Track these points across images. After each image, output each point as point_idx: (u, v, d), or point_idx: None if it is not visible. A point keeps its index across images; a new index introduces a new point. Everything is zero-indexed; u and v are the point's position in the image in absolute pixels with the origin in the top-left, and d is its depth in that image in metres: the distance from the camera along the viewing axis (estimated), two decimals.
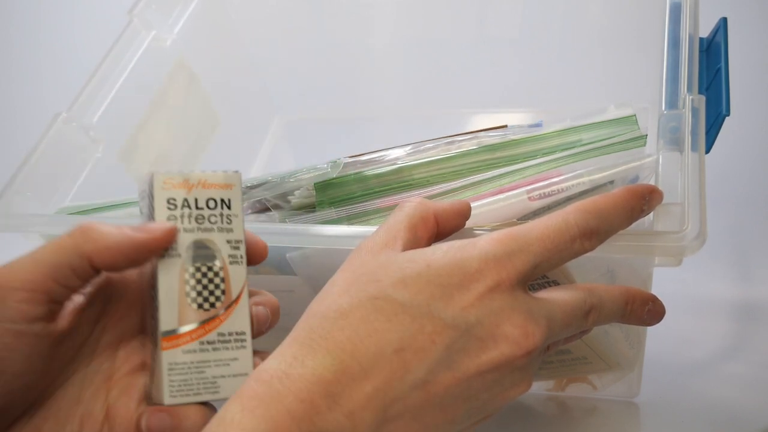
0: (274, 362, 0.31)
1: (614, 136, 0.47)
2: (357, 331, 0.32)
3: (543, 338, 0.33)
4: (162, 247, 0.36)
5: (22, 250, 0.35)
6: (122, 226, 0.35)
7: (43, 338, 0.34)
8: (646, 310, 0.37)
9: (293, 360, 0.31)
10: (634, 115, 0.49)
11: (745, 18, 0.65)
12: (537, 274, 0.34)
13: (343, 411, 0.30)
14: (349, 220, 0.48)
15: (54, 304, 0.35)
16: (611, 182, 0.45)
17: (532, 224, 0.34)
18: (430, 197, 0.47)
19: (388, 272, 0.33)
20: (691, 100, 0.44)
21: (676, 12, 0.51)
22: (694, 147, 0.41)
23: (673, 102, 0.45)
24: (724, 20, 0.51)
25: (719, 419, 0.50)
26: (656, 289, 0.48)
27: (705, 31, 0.51)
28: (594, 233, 0.34)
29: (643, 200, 0.36)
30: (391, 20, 0.77)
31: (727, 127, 0.44)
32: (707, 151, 0.44)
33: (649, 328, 0.49)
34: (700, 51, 0.49)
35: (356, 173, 0.48)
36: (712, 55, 0.50)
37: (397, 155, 0.50)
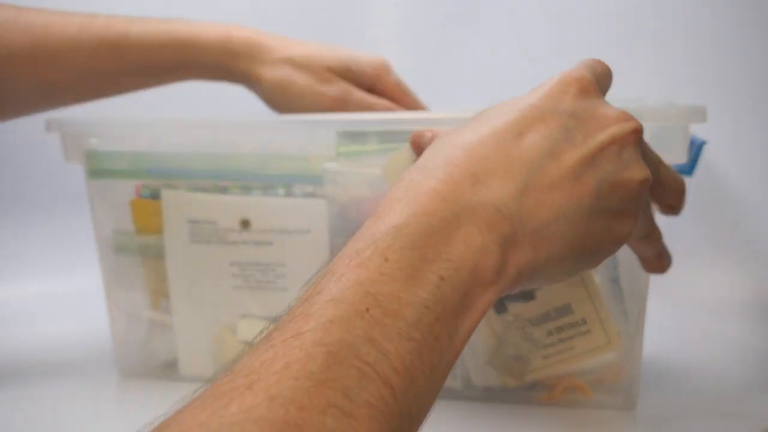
0: (407, 171, 0.35)
1: None
2: (478, 130, 0.35)
3: (639, 125, 0.37)
4: None
5: None
6: None
7: None
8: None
9: (426, 160, 0.35)
10: None
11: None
12: (603, 85, 0.40)
13: (485, 184, 0.33)
14: None
15: None
16: None
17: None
18: None
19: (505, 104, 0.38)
20: None
21: None
22: None
23: None
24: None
25: (719, 421, 0.50)
26: (655, 289, 0.52)
27: None
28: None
29: None
30: (391, 19, 0.84)
31: (727, 125, 0.50)
32: (690, 174, 0.50)
33: (647, 325, 0.51)
34: None
35: None
36: None
37: None
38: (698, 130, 0.53)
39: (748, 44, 0.72)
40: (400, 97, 0.66)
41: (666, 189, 0.42)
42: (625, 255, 0.49)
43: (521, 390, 0.53)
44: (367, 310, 0.28)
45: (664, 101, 0.56)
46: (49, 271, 0.87)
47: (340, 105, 0.63)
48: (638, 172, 0.36)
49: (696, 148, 0.52)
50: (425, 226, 0.31)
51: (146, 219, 0.58)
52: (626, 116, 0.37)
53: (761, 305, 0.65)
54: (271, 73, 0.63)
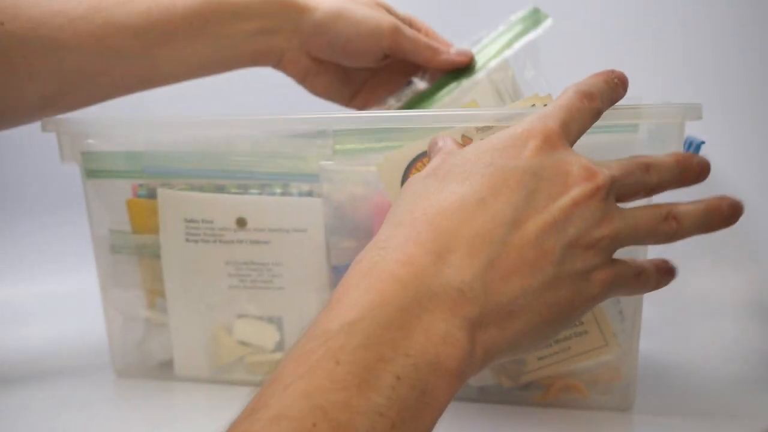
0: (367, 249, 0.34)
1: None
2: (439, 198, 0.35)
3: (608, 176, 0.36)
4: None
5: None
6: None
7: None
8: (695, 174, 0.41)
9: (387, 238, 0.33)
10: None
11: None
12: (573, 132, 0.38)
13: (448, 263, 0.32)
14: None
15: None
16: None
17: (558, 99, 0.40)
18: None
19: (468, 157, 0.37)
20: None
21: None
22: None
23: None
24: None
25: (719, 421, 0.49)
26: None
27: None
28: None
29: None
30: None
31: (726, 125, 0.50)
32: None
33: (644, 325, 0.50)
34: None
35: None
36: None
37: None
38: (698, 131, 0.53)
39: (747, 44, 0.72)
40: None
41: (648, 234, 0.38)
42: (621, 255, 0.49)
43: (516, 390, 0.53)
44: (314, 425, 0.26)
45: (661, 100, 0.56)
46: (45, 271, 0.87)
47: (394, 36, 0.60)
48: (605, 228, 0.35)
49: (694, 149, 0.52)
50: (382, 318, 0.30)
51: (143, 218, 0.58)
52: (590, 173, 0.36)
53: (759, 305, 0.65)
54: (326, 2, 0.60)
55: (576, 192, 0.35)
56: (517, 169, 0.35)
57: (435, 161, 0.39)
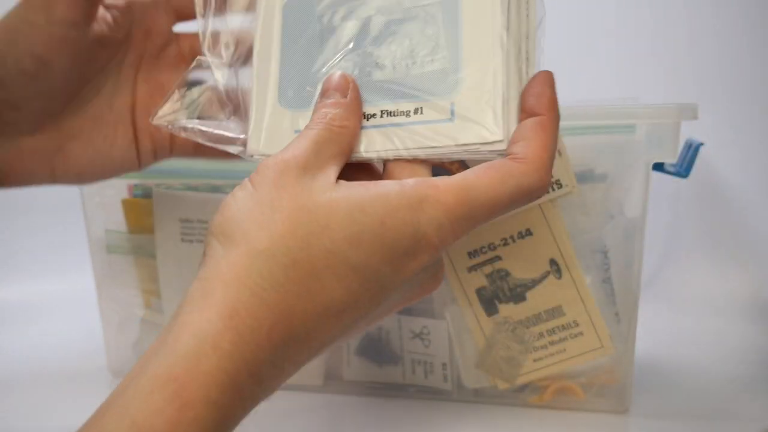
0: (212, 312, 0.30)
1: None
2: (306, 286, 0.31)
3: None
4: None
5: None
6: None
7: (81, 42, 0.41)
8: None
9: (229, 319, 0.30)
10: None
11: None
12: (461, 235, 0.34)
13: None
14: None
15: (91, 8, 0.41)
16: None
17: (483, 188, 0.32)
18: None
19: (338, 219, 0.31)
20: None
21: None
22: None
23: None
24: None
25: (717, 423, 0.49)
26: (652, 289, 0.51)
27: None
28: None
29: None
30: None
31: (726, 126, 0.50)
32: (686, 176, 0.50)
33: (641, 324, 0.50)
34: None
35: None
36: None
37: None
38: (698, 131, 0.52)
39: (747, 45, 0.72)
40: None
41: None
42: (617, 256, 0.49)
43: (512, 392, 0.52)
44: None
45: (661, 101, 0.55)
46: (41, 271, 0.87)
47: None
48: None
49: (693, 150, 0.52)
50: None
51: (138, 218, 0.57)
52: (438, 275, 0.36)
53: (757, 305, 0.64)
54: None
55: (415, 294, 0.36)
56: (392, 287, 0.33)
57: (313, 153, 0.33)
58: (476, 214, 0.32)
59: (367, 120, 0.36)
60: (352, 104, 0.35)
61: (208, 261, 0.32)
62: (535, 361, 0.50)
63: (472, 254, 0.48)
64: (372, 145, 0.35)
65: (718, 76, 0.73)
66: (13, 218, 0.89)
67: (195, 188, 0.55)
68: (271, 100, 0.38)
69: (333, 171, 0.33)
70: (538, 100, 0.34)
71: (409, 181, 0.32)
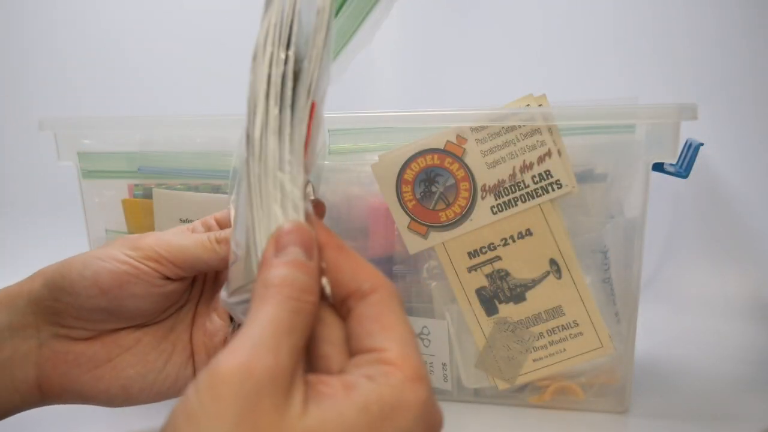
0: None
1: None
2: None
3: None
4: None
5: None
6: None
7: (162, 291, 0.43)
8: None
9: None
10: None
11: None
12: None
13: None
14: None
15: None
16: None
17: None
18: None
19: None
20: None
21: None
22: None
23: None
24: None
25: (717, 423, 0.49)
26: (652, 289, 0.51)
27: None
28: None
29: None
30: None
31: (726, 126, 0.50)
32: (685, 176, 0.50)
33: (641, 324, 0.50)
34: None
35: None
36: None
37: None
38: (698, 131, 0.52)
39: (747, 45, 0.71)
40: None
41: None
42: (617, 256, 0.49)
43: (511, 392, 0.52)
44: None
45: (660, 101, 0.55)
46: None
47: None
48: None
49: (692, 150, 0.52)
50: None
51: (139, 218, 0.57)
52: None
53: (757, 305, 0.64)
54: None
55: None
56: None
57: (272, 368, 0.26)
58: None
59: None
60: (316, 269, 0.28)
61: None
62: (534, 361, 0.50)
63: (472, 254, 0.49)
64: None
65: (718, 76, 0.73)
66: (13, 218, 0.89)
67: (195, 188, 0.55)
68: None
69: (301, 380, 0.27)
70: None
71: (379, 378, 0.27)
